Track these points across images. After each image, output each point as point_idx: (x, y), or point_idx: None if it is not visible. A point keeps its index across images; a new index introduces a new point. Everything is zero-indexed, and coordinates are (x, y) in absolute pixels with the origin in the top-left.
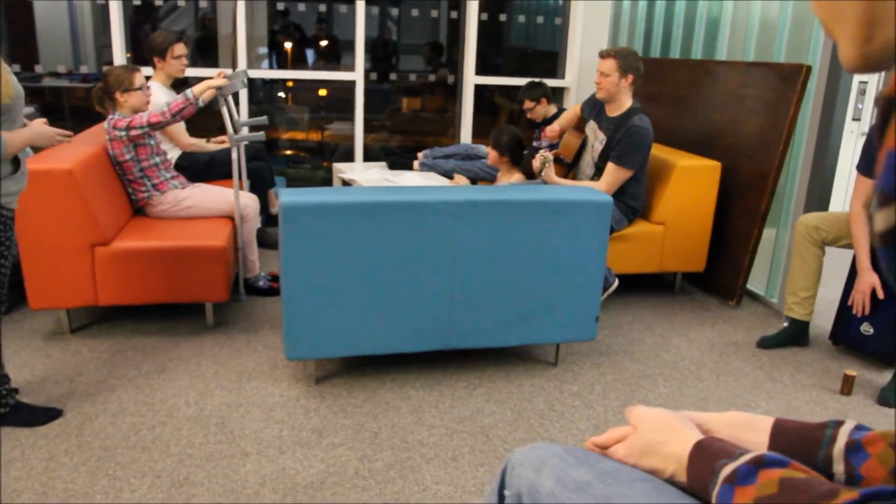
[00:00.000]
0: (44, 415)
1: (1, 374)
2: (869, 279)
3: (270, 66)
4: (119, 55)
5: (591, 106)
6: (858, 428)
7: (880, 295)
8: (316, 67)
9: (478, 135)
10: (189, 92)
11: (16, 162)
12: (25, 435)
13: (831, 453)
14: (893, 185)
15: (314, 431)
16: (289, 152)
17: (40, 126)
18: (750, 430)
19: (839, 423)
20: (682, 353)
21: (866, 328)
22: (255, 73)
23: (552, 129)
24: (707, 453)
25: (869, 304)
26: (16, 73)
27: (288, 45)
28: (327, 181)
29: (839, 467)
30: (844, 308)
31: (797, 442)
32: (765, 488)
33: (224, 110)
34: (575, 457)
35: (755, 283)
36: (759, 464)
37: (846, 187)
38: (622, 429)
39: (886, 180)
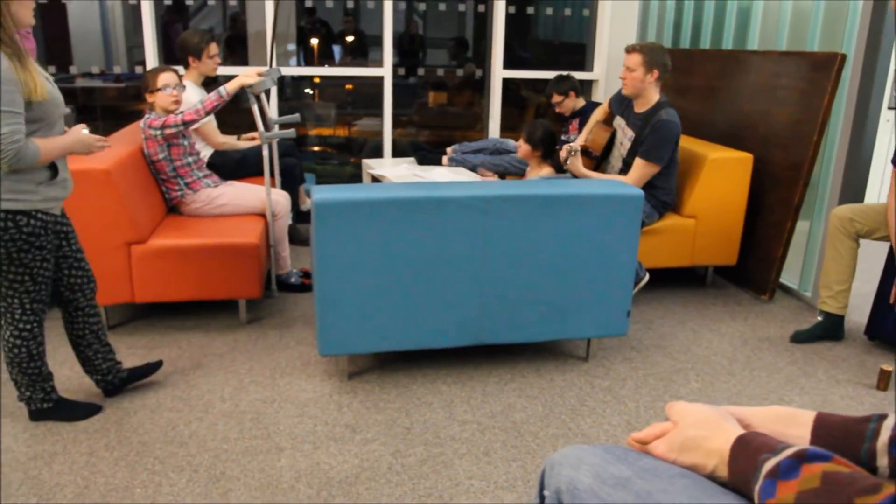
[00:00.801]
0: (84, 410)
1: (45, 372)
2: None
3: (298, 63)
4: (151, 55)
5: (618, 102)
6: None
7: None
8: (343, 63)
9: (505, 128)
10: (223, 89)
11: (53, 168)
12: (66, 430)
13: (875, 447)
14: None
15: (347, 427)
16: (316, 148)
17: (79, 133)
18: (792, 425)
19: (882, 417)
20: (714, 348)
21: None
22: (284, 71)
23: (581, 138)
24: (749, 448)
25: None
26: (52, 75)
27: (314, 42)
28: (355, 177)
29: (883, 461)
30: (880, 301)
31: (840, 436)
32: (807, 482)
33: (255, 108)
34: (613, 454)
35: (788, 277)
36: (802, 458)
37: (882, 178)
38: (663, 424)
39: None
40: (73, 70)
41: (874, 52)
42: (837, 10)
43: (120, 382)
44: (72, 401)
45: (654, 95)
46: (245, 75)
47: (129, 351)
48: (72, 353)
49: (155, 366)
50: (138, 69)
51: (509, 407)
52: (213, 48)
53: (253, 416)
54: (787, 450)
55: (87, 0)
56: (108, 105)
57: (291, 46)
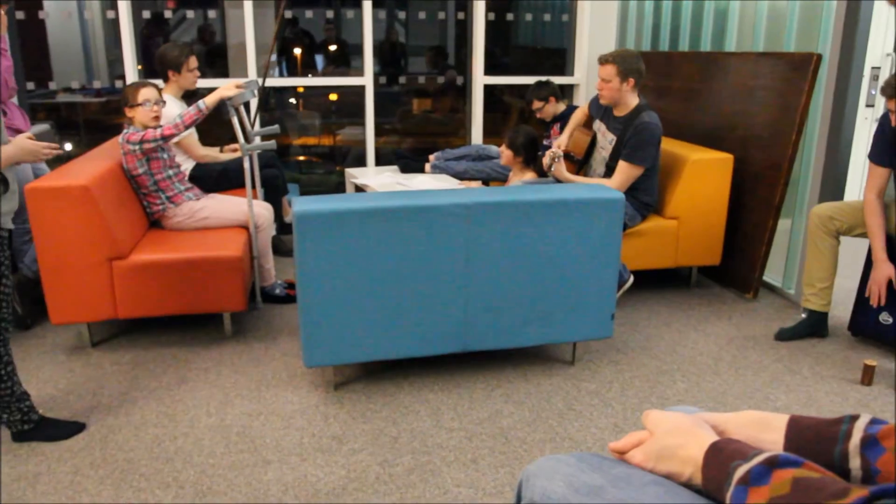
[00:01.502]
0: (68, 429)
1: (19, 392)
2: (885, 270)
3: (281, 74)
4: (130, 69)
5: (598, 105)
6: (873, 422)
7: None
8: (325, 72)
9: (489, 134)
10: (202, 103)
11: (4, 181)
12: (51, 449)
13: (847, 449)
14: None
15: (334, 438)
16: (301, 158)
17: (23, 141)
18: (765, 430)
19: (854, 418)
20: (700, 348)
21: (885, 317)
22: (267, 82)
23: (561, 141)
24: (722, 455)
25: (885, 295)
26: (29, 91)
27: (297, 52)
28: (341, 185)
29: (855, 462)
30: (862, 298)
31: (813, 439)
32: (778, 489)
33: (234, 120)
34: (588, 463)
35: (772, 275)
36: (773, 464)
37: (861, 175)
38: (639, 433)
39: None
40: (53, 85)
41: (849, 51)
42: (812, 10)
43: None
44: (54, 420)
45: (632, 100)
46: (224, 88)
47: (114, 367)
48: (54, 372)
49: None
50: (118, 83)
51: (496, 413)
52: (193, 61)
53: (239, 430)
54: (759, 456)
55: (66, 15)
56: (91, 119)
57: (273, 57)
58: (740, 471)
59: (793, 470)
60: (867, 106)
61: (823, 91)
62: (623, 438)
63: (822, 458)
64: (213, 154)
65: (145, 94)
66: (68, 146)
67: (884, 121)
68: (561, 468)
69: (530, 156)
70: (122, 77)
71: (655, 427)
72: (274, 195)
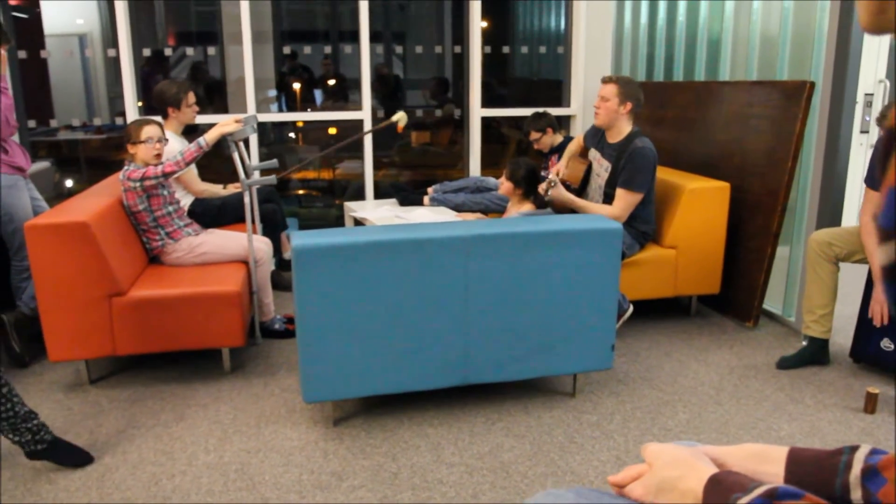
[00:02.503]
0: (81, 457)
1: (24, 412)
2: None
3: (280, 109)
4: (131, 106)
5: (592, 135)
6: (874, 452)
7: None
8: (324, 107)
9: (487, 166)
10: (202, 140)
11: None
12: (46, 490)
13: (848, 481)
14: (894, 221)
15: (334, 474)
16: (301, 192)
17: None
18: (765, 462)
19: (854, 449)
20: (701, 378)
21: (886, 344)
22: (264, 117)
23: (559, 167)
24: (721, 487)
25: (888, 315)
26: (31, 129)
27: (296, 86)
28: (340, 219)
29: (857, 494)
30: (863, 324)
31: (814, 471)
32: None
33: (235, 155)
34: (587, 498)
35: (771, 303)
36: (773, 497)
37: (857, 201)
38: (638, 466)
39: (886, 216)
40: (54, 123)
41: (841, 78)
42: (804, 38)
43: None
44: (69, 444)
45: (626, 126)
46: (223, 124)
47: (112, 405)
48: (51, 410)
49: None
50: (119, 120)
51: (497, 447)
52: (192, 97)
53: (238, 467)
54: (759, 488)
55: (67, 54)
56: (91, 156)
57: (272, 92)
58: (740, 503)
59: (793, 502)
60: (862, 132)
61: (818, 118)
62: (622, 472)
63: (823, 491)
64: (211, 189)
65: (148, 131)
66: (69, 183)
67: (877, 144)
68: (559, 502)
69: (530, 188)
70: (123, 114)
71: (655, 459)
72: (273, 230)
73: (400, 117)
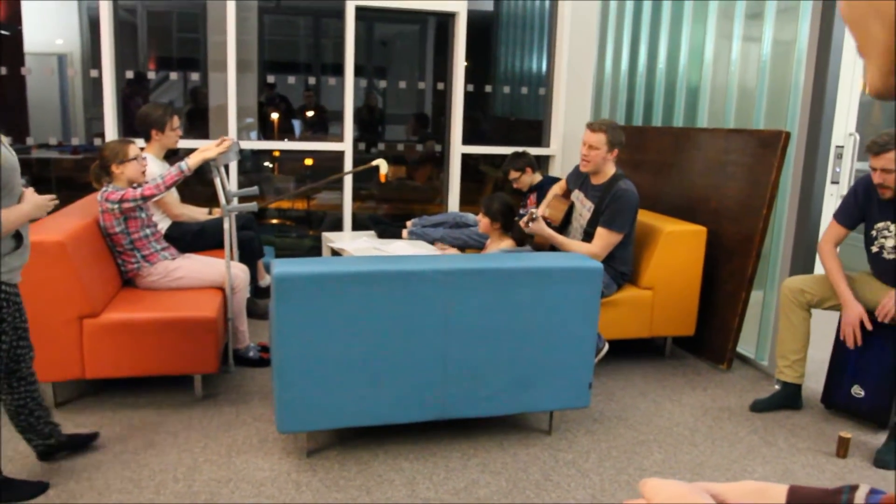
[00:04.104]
0: (30, 489)
1: None
2: (855, 310)
3: (258, 137)
4: (111, 128)
5: (575, 176)
6: (873, 492)
7: (868, 325)
8: (303, 137)
9: (465, 203)
10: (184, 164)
11: (17, 237)
12: None
13: None
14: None
15: None
16: (275, 221)
17: (34, 197)
18: (766, 499)
19: (854, 488)
20: (676, 419)
21: (857, 390)
22: (246, 144)
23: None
24: None
25: (860, 335)
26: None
27: (275, 116)
28: (313, 249)
29: None
30: (835, 370)
31: None
32: None
33: (217, 181)
34: None
35: (745, 346)
36: None
37: None
38: (635, 502)
39: None
40: (30, 141)
41: (816, 129)
42: (780, 89)
43: (59, 445)
44: (18, 480)
45: (610, 169)
46: (205, 149)
47: (78, 429)
48: (12, 433)
49: (92, 437)
50: (98, 141)
51: (473, 483)
52: (176, 121)
53: (207, 497)
54: None
55: (49, 72)
56: (63, 177)
57: (250, 120)
58: None
59: None
60: (832, 183)
61: (792, 167)
62: None
63: None
64: (189, 213)
65: (135, 150)
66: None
67: (857, 186)
68: None
69: (507, 222)
70: (102, 135)
71: (654, 496)
72: (250, 257)
73: (380, 163)
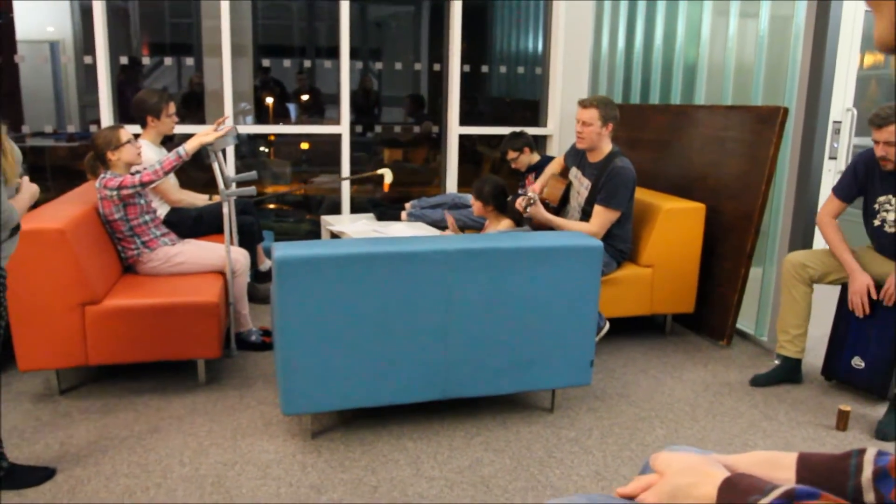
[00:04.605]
0: (37, 475)
1: None
2: (862, 279)
3: (254, 122)
4: (106, 114)
5: (573, 155)
6: (880, 454)
7: (874, 294)
8: (299, 121)
9: (462, 184)
10: (181, 149)
11: (17, 225)
12: (16, 502)
13: (860, 483)
14: None
15: (312, 487)
16: (272, 206)
17: (31, 186)
18: (776, 468)
19: (861, 452)
20: (677, 395)
21: (857, 362)
22: (245, 129)
23: (535, 188)
24: (737, 490)
25: (868, 304)
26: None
27: (269, 101)
28: (311, 234)
29: (869, 496)
30: (835, 343)
31: (825, 474)
32: None
33: (215, 166)
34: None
35: (744, 323)
36: (791, 497)
37: None
38: (647, 477)
39: None
40: (25, 129)
41: (814, 105)
42: (778, 65)
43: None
44: (24, 466)
45: (607, 146)
46: (203, 134)
47: (83, 416)
48: (19, 421)
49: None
50: (93, 128)
51: (477, 461)
52: (172, 107)
53: (214, 480)
54: (776, 490)
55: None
56: (58, 165)
57: (245, 105)
58: None
59: (812, 502)
60: (830, 158)
61: (791, 143)
62: (630, 483)
63: (836, 494)
64: (188, 199)
65: (126, 133)
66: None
67: (857, 160)
68: None
69: (500, 204)
70: (98, 122)
71: (666, 468)
72: (249, 242)
73: (385, 172)
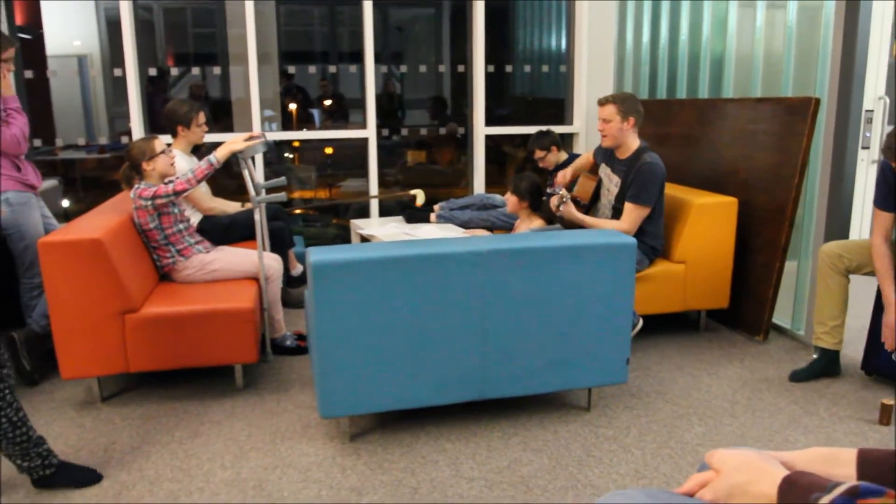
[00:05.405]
0: (89, 475)
1: (36, 437)
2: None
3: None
4: (137, 125)
5: (602, 152)
6: None
7: None
8: (323, 127)
9: (488, 184)
10: (213, 157)
11: None
12: None
13: None
14: None
15: (353, 490)
16: (298, 211)
17: None
18: (836, 465)
19: None
20: (714, 392)
21: None
22: (273, 136)
23: (563, 175)
24: (797, 488)
25: None
26: (35, 148)
27: (293, 107)
28: (338, 238)
29: None
30: (874, 336)
31: (885, 470)
32: None
33: (245, 173)
34: (656, 499)
35: (780, 317)
36: (855, 494)
37: (863, 215)
38: (703, 475)
39: None
40: (59, 142)
41: (846, 95)
42: (808, 55)
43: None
44: (75, 465)
45: (634, 142)
46: (233, 142)
47: (125, 423)
48: (64, 428)
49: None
50: (123, 139)
51: (515, 461)
52: (202, 116)
53: (255, 484)
54: (839, 487)
55: (73, 73)
56: (88, 176)
57: (269, 112)
58: (822, 503)
59: (877, 499)
60: (863, 148)
61: (823, 134)
62: (687, 482)
63: None
64: (220, 206)
65: (160, 143)
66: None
67: (884, 166)
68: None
69: (535, 201)
70: (129, 133)
71: (722, 465)
72: (281, 247)
73: (418, 193)
